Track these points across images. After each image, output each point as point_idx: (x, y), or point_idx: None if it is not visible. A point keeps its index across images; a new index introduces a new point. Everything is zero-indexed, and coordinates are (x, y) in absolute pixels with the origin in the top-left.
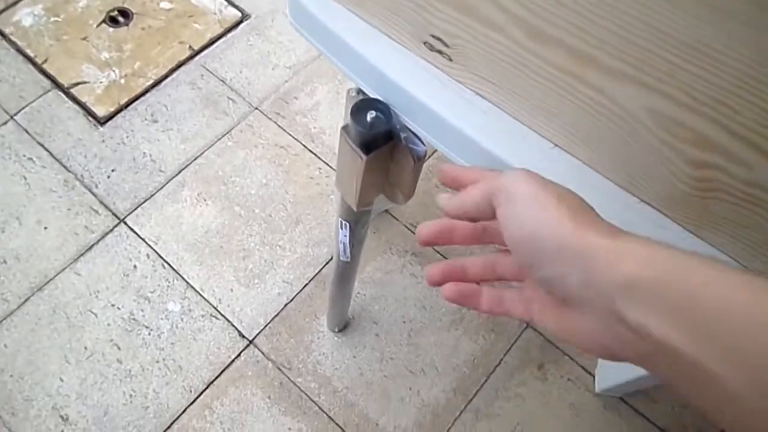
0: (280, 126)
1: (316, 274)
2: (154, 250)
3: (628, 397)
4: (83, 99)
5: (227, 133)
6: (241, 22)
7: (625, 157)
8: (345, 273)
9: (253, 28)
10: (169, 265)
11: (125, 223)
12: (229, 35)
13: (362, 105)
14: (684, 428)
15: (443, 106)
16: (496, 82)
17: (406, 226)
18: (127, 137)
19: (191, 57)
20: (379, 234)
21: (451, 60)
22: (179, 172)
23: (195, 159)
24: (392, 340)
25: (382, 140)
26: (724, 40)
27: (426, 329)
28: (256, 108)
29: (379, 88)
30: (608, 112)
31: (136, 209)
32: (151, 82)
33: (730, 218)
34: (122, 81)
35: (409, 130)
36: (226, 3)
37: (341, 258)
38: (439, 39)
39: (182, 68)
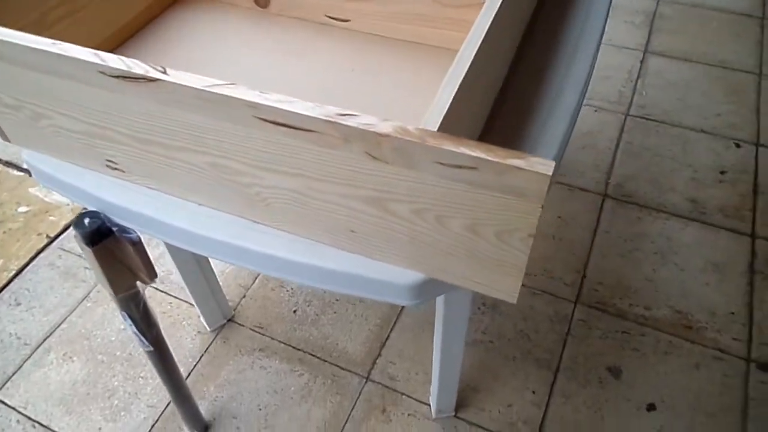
0: None
1: None
2: (24, 415)
3: (461, 412)
4: None
5: (86, 296)
6: None
7: (221, 194)
8: (160, 364)
9: None
10: (39, 423)
11: None
12: None
13: (81, 216)
14: (512, 425)
15: (127, 202)
16: (147, 176)
17: (251, 329)
18: None
19: (49, 243)
20: (229, 342)
21: (123, 171)
22: (44, 340)
23: (58, 326)
24: (251, 428)
25: (100, 236)
26: (203, 126)
27: (280, 410)
28: None
29: (94, 203)
30: (194, 171)
31: (5, 384)
32: (13, 272)
33: (282, 212)
34: None
35: (119, 224)
36: None
37: (145, 350)
38: (111, 161)
39: (41, 254)
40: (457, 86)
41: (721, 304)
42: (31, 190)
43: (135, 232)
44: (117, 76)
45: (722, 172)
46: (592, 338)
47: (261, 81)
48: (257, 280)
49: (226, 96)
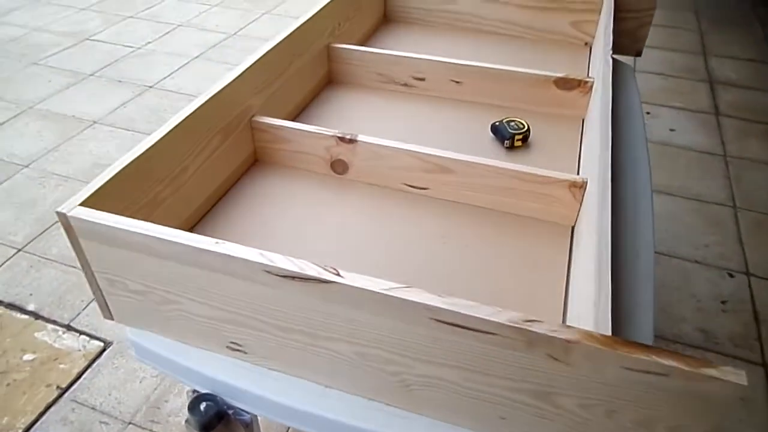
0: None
1: None
2: None
3: None
4: None
5: None
6: (104, 350)
7: (358, 379)
8: None
9: (117, 352)
10: None
11: None
12: (95, 364)
13: (196, 400)
14: None
15: (250, 384)
16: (274, 358)
17: None
18: None
19: (60, 396)
20: None
21: (246, 353)
22: None
23: None
24: None
25: (216, 420)
26: (368, 322)
27: None
28: (130, 422)
29: (206, 384)
30: (336, 358)
31: None
32: (20, 431)
33: (426, 398)
34: None
35: (235, 406)
36: (88, 338)
37: None
38: (235, 343)
39: (52, 409)
40: (608, 289)
41: None
42: (38, 335)
43: (248, 414)
44: (284, 276)
45: (723, 302)
46: None
47: (352, 249)
48: None
49: (405, 300)
